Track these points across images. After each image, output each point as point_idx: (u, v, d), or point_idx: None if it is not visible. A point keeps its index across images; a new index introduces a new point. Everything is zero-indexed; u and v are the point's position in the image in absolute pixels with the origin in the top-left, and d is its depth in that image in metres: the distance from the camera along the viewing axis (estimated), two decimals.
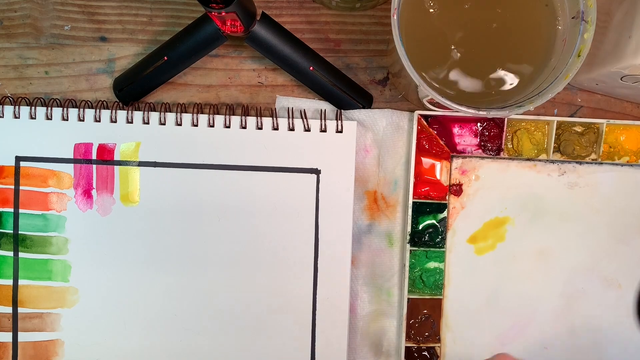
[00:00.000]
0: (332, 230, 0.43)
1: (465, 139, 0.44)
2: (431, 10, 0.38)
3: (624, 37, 0.37)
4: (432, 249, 0.44)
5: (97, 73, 0.44)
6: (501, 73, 0.38)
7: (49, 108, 0.42)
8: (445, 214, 0.44)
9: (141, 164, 0.42)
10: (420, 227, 0.44)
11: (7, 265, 0.42)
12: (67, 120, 0.42)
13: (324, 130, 0.43)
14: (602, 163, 0.44)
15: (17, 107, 0.42)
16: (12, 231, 0.42)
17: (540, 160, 0.44)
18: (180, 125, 0.42)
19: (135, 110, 0.42)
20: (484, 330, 0.45)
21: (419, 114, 0.43)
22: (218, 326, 0.43)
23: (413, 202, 0.43)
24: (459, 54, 0.38)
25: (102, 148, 0.42)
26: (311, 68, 0.42)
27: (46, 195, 0.42)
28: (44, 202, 0.42)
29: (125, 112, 0.42)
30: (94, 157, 0.42)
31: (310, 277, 0.43)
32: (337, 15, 0.44)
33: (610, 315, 0.45)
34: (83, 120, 0.42)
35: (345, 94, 0.43)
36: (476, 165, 0.44)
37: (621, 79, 0.40)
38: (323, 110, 0.43)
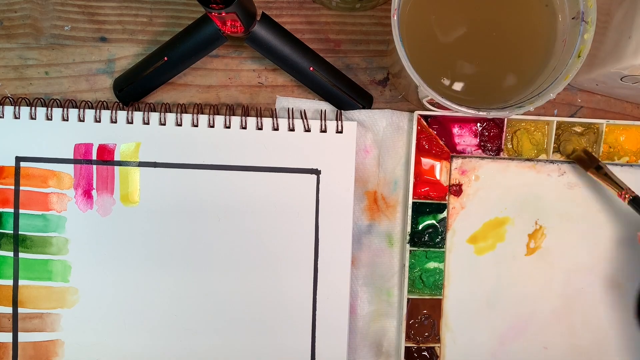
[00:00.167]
0: (332, 230, 0.43)
1: (465, 139, 0.44)
2: (431, 10, 0.38)
3: (624, 38, 0.37)
4: (432, 249, 0.44)
5: (97, 73, 0.44)
6: (501, 73, 0.38)
7: (49, 108, 0.42)
8: (445, 214, 0.44)
9: (141, 164, 0.42)
10: (420, 227, 0.44)
11: (7, 265, 0.42)
12: (67, 120, 0.42)
13: (324, 131, 0.43)
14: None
15: (17, 107, 0.42)
16: (12, 231, 0.42)
17: (540, 161, 0.44)
18: (180, 125, 0.42)
19: (136, 110, 0.42)
20: (484, 330, 0.45)
21: (419, 114, 0.43)
22: (218, 326, 0.43)
23: (413, 203, 0.43)
24: (459, 55, 0.38)
25: (102, 148, 0.42)
26: (311, 68, 0.42)
27: (46, 195, 0.42)
28: (44, 202, 0.42)
29: (125, 112, 0.42)
30: (94, 157, 0.42)
31: (310, 277, 0.43)
32: (337, 16, 0.44)
33: (610, 315, 0.45)
34: (83, 121, 0.42)
35: (345, 94, 0.43)
36: (476, 165, 0.44)
37: (621, 80, 0.40)
38: (323, 111, 0.43)
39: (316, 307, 0.43)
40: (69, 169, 0.42)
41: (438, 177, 0.44)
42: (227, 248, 0.43)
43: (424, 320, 0.44)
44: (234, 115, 0.43)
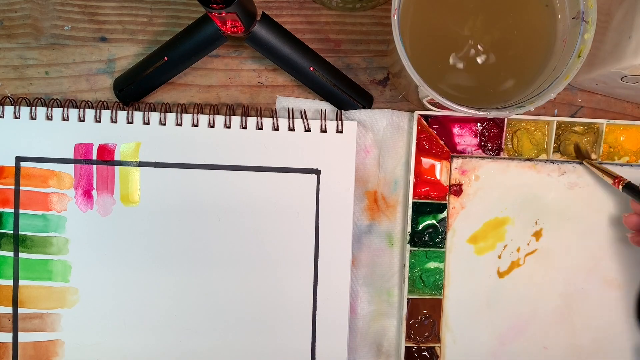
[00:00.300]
0: (332, 230, 0.43)
1: (465, 139, 0.44)
2: (431, 10, 0.38)
3: (624, 38, 0.37)
4: (432, 249, 0.44)
5: (97, 73, 0.44)
6: (501, 73, 0.38)
7: (50, 108, 0.42)
8: (445, 214, 0.44)
9: (141, 164, 0.42)
10: (420, 227, 0.44)
11: (7, 265, 0.42)
12: (67, 120, 0.42)
13: (324, 131, 0.43)
14: (602, 163, 0.44)
15: (17, 107, 0.42)
16: (12, 231, 0.42)
17: (540, 160, 0.44)
18: (180, 125, 0.42)
19: (136, 110, 0.42)
20: (484, 330, 0.45)
21: (419, 114, 0.43)
22: (218, 326, 0.43)
23: (413, 202, 0.43)
24: (459, 55, 0.38)
25: (102, 148, 0.42)
26: (311, 68, 0.42)
27: (46, 195, 0.42)
28: (44, 202, 0.42)
29: (125, 112, 0.42)
30: (94, 157, 0.42)
31: (310, 277, 0.43)
32: (337, 16, 0.44)
33: (610, 315, 0.45)
34: (83, 121, 0.42)
35: (346, 94, 0.43)
36: (476, 165, 0.44)
37: (621, 79, 0.40)
38: (323, 111, 0.43)
39: (316, 307, 0.43)
40: (69, 169, 0.42)
41: (438, 177, 0.44)
42: (227, 248, 0.43)
43: (424, 320, 0.44)
44: (234, 115, 0.43)
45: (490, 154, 0.44)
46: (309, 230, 0.43)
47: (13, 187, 0.42)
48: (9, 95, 0.44)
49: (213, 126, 0.42)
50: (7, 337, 0.43)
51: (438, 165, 0.44)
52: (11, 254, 0.43)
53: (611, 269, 0.45)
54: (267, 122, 0.43)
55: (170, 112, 0.43)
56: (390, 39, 0.43)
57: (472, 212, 0.44)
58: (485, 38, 0.38)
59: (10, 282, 0.43)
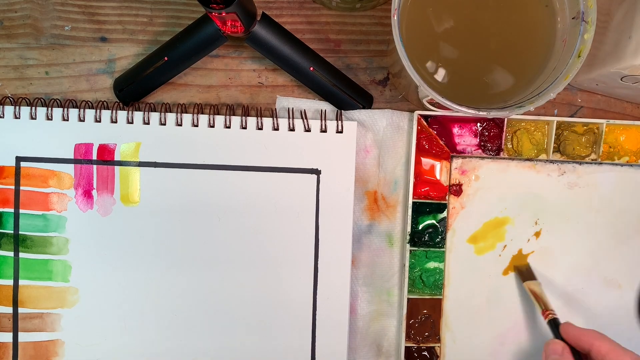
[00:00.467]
0: (332, 230, 0.43)
1: (465, 139, 0.44)
2: (431, 11, 0.38)
3: (624, 38, 0.37)
4: (432, 249, 0.44)
5: (97, 73, 0.44)
6: (501, 73, 0.38)
7: (50, 108, 0.42)
8: (445, 214, 0.44)
9: (141, 164, 0.42)
10: (420, 227, 0.44)
11: (7, 265, 0.42)
12: (67, 120, 0.42)
13: (324, 131, 0.43)
14: (602, 163, 0.44)
15: (17, 107, 0.42)
16: (12, 231, 0.42)
17: (540, 161, 0.44)
18: (180, 125, 0.42)
19: (136, 110, 0.42)
20: (484, 330, 0.45)
21: (419, 114, 0.43)
22: (218, 326, 0.43)
23: (413, 202, 0.43)
24: (459, 55, 0.38)
25: (102, 148, 0.42)
26: (311, 68, 0.42)
27: (46, 195, 0.42)
28: (45, 202, 0.42)
29: (125, 112, 0.42)
30: (94, 157, 0.42)
31: (310, 277, 0.43)
32: (337, 16, 0.44)
33: (610, 315, 0.45)
34: (83, 121, 0.42)
35: (346, 94, 0.43)
36: (476, 165, 0.44)
37: (621, 80, 0.40)
38: (323, 111, 0.43)
39: (316, 307, 0.43)
40: (69, 169, 0.42)
41: (438, 177, 0.44)
42: (227, 248, 0.43)
43: (424, 320, 0.44)
44: (234, 115, 0.43)
45: (490, 154, 0.44)
46: (309, 230, 0.43)
47: (13, 187, 0.42)
48: (9, 95, 0.44)
49: (213, 126, 0.42)
50: (7, 337, 0.43)
51: (438, 165, 0.44)
52: (11, 254, 0.43)
53: (611, 269, 0.45)
54: (267, 122, 0.43)
55: (170, 112, 0.43)
56: (390, 39, 0.43)
57: (472, 212, 0.44)
58: (486, 38, 0.38)
59: (10, 282, 0.43)
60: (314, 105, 0.44)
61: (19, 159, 0.42)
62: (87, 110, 0.42)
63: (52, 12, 0.44)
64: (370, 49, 0.44)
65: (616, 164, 0.44)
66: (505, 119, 0.43)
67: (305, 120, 0.43)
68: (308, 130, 0.43)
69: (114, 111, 0.42)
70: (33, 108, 0.42)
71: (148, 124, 0.42)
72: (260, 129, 0.43)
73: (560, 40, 0.37)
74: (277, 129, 0.43)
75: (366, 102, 0.44)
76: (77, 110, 0.42)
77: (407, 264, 0.43)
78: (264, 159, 0.43)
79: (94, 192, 0.43)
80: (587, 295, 0.45)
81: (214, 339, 0.43)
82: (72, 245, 0.43)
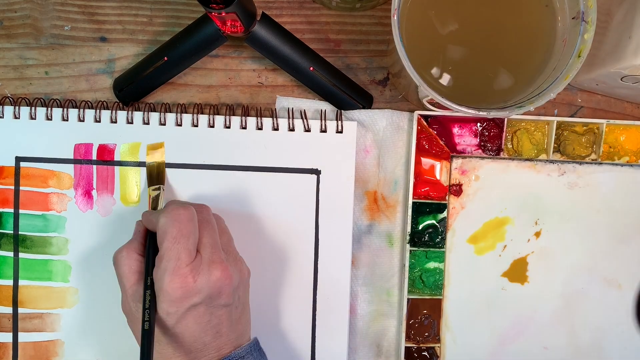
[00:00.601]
0: (332, 230, 0.43)
1: (465, 139, 0.44)
2: (431, 10, 0.38)
3: (624, 38, 0.37)
4: (432, 249, 0.44)
5: (97, 73, 0.44)
6: (501, 73, 0.38)
7: (49, 108, 0.42)
8: (445, 214, 0.44)
9: (141, 164, 0.42)
10: (420, 227, 0.44)
11: (7, 265, 0.42)
12: (67, 120, 0.42)
13: (324, 131, 0.43)
14: (602, 163, 0.44)
15: (17, 107, 0.42)
16: (12, 231, 0.42)
17: (540, 160, 0.44)
18: (180, 125, 0.42)
19: (136, 110, 0.42)
20: (484, 330, 0.45)
21: (419, 114, 0.43)
22: None
23: (413, 202, 0.43)
24: (459, 55, 0.38)
25: (102, 148, 0.42)
26: (311, 68, 0.42)
27: (46, 195, 0.42)
28: (44, 202, 0.42)
29: (125, 112, 0.42)
30: (94, 157, 0.42)
31: (310, 277, 0.43)
32: (337, 16, 0.44)
33: (610, 315, 0.45)
34: (83, 121, 0.42)
35: (345, 94, 0.43)
36: (476, 165, 0.44)
37: (621, 79, 0.40)
38: (323, 111, 0.43)
39: (316, 307, 0.43)
40: (69, 169, 0.42)
41: (438, 177, 0.44)
42: None
43: (424, 320, 0.44)
44: (234, 115, 0.43)
45: (490, 154, 0.44)
46: (309, 231, 0.43)
47: (13, 187, 0.42)
48: (9, 95, 0.44)
49: (213, 126, 0.42)
50: (7, 337, 0.43)
51: (438, 165, 0.44)
52: (11, 254, 0.42)
53: (611, 269, 0.45)
54: (267, 122, 0.43)
55: (170, 112, 0.43)
56: (390, 39, 0.43)
57: (472, 212, 0.44)
58: (485, 38, 0.38)
59: (10, 282, 0.43)
60: (313, 105, 0.44)
61: (18, 159, 0.42)
62: (86, 110, 0.42)
63: (51, 12, 0.44)
64: (370, 49, 0.44)
65: (616, 164, 0.44)
66: (506, 119, 0.43)
67: (305, 120, 0.43)
68: (308, 130, 0.43)
69: (114, 111, 0.42)
70: (33, 108, 0.42)
71: (148, 124, 0.42)
72: (260, 129, 0.43)
73: (560, 40, 0.37)
74: (277, 129, 0.43)
75: (366, 102, 0.44)
76: (76, 110, 0.42)
77: (407, 264, 0.43)
78: (263, 159, 0.43)
79: (94, 192, 0.43)
80: (587, 295, 0.45)
81: None
82: (72, 246, 0.43)
